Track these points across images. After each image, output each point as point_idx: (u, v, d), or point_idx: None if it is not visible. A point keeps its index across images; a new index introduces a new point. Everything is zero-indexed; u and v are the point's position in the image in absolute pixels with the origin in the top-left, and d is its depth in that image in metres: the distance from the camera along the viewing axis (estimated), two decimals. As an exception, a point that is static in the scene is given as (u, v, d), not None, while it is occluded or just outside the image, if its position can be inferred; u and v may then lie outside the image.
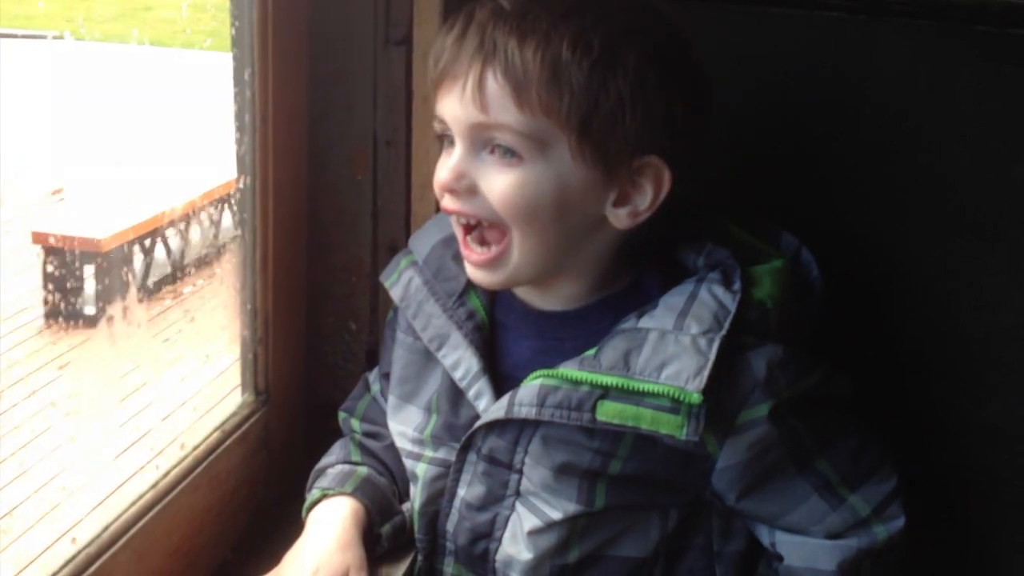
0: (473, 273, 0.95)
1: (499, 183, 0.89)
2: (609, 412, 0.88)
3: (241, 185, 1.11)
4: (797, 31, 1.10)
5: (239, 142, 1.12)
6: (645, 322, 0.91)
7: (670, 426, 0.87)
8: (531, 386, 0.91)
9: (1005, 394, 1.09)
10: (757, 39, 1.12)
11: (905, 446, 1.03)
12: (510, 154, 0.88)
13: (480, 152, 0.90)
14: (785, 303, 0.93)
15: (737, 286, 0.92)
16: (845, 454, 0.94)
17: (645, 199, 0.90)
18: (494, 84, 0.86)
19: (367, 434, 1.13)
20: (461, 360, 0.97)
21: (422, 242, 1.04)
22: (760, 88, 1.13)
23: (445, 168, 0.91)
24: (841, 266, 1.02)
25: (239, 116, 1.11)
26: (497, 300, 1.00)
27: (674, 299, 0.92)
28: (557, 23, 0.86)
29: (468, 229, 0.93)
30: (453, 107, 0.89)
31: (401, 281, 1.03)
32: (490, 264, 0.92)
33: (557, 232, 0.91)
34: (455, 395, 0.99)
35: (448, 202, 0.92)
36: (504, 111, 0.86)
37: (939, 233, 1.09)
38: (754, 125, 1.14)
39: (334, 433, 1.17)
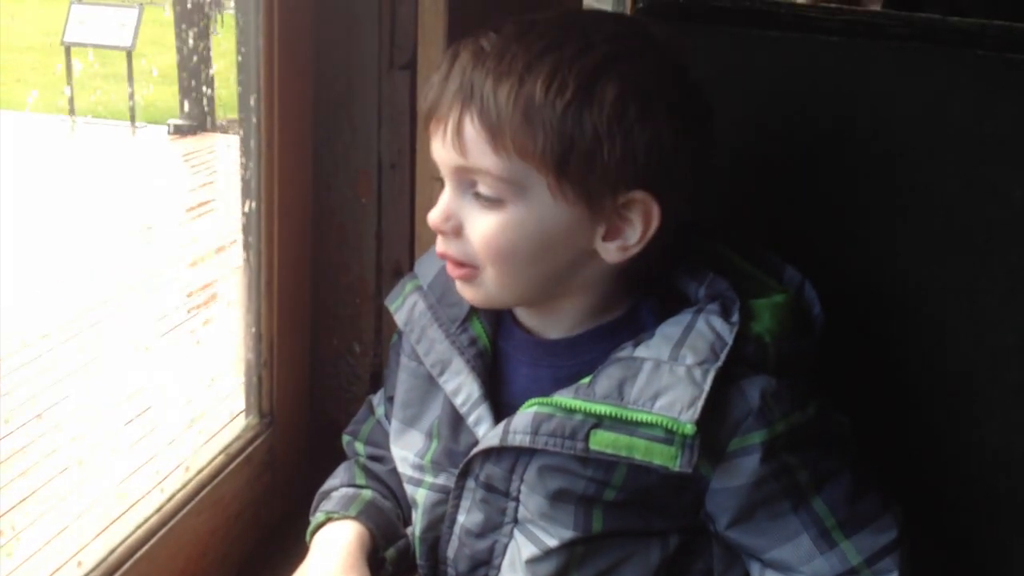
0: (458, 286, 0.95)
1: (480, 226, 0.88)
2: (602, 442, 0.87)
3: (247, 209, 1.12)
4: (794, 55, 1.11)
5: (244, 167, 1.13)
6: (641, 351, 0.90)
7: (663, 457, 0.86)
8: (526, 414, 0.91)
9: (1005, 416, 1.09)
10: (754, 62, 1.13)
11: (905, 475, 1.03)
12: (490, 197, 0.87)
13: (466, 193, 0.89)
14: (783, 338, 0.92)
15: (735, 318, 0.91)
16: (843, 495, 0.92)
17: (635, 233, 0.89)
18: (471, 128, 0.86)
19: (371, 457, 1.13)
20: (462, 386, 0.97)
21: (427, 267, 1.04)
22: (756, 111, 1.13)
23: (435, 209, 0.91)
24: (836, 289, 1.02)
25: (244, 142, 1.12)
26: (500, 327, 1.00)
27: (671, 329, 0.91)
28: (532, 63, 0.84)
29: None
30: (438, 149, 0.90)
31: (406, 306, 1.03)
32: (466, 279, 0.92)
33: (539, 269, 0.90)
34: (456, 421, 0.98)
35: (439, 244, 0.93)
36: (482, 155, 0.86)
37: (936, 256, 1.09)
38: (749, 148, 1.14)
39: (338, 455, 1.16)
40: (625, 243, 0.89)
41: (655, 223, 0.88)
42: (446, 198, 0.90)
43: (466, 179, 0.89)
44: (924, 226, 1.09)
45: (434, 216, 0.91)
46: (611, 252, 0.90)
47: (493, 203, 0.87)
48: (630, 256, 0.90)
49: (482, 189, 0.87)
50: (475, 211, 0.89)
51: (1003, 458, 1.09)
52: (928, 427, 1.12)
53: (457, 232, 0.90)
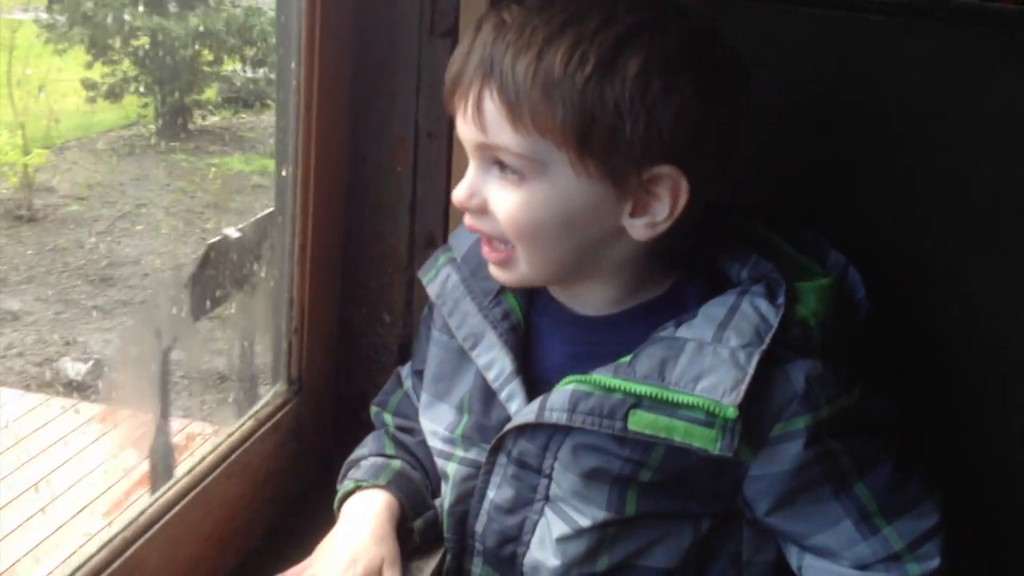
0: (491, 270, 0.94)
1: (504, 202, 0.87)
2: (641, 422, 0.87)
3: (284, 173, 1.11)
4: (834, 33, 1.09)
5: (281, 130, 1.12)
6: (683, 331, 0.89)
7: (704, 440, 0.85)
8: (563, 391, 0.90)
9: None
10: (792, 39, 1.11)
11: (946, 459, 1.02)
12: (513, 173, 0.86)
13: (490, 169, 0.88)
14: (829, 322, 0.91)
15: (781, 300, 0.89)
16: (885, 481, 0.91)
17: (663, 209, 0.87)
18: (491, 104, 0.85)
19: (400, 428, 1.12)
20: (495, 360, 0.96)
21: (461, 239, 1.03)
22: (793, 90, 1.11)
23: (460, 186, 0.90)
24: (878, 271, 1.00)
25: (282, 105, 1.11)
26: (534, 301, 0.99)
27: (714, 310, 0.90)
28: (553, 36, 0.83)
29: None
30: (460, 125, 0.89)
31: (439, 278, 1.02)
32: (501, 264, 0.92)
33: (568, 246, 0.89)
34: (487, 396, 0.98)
35: (467, 219, 0.92)
36: (501, 131, 0.84)
37: (975, 238, 1.08)
38: (786, 128, 1.12)
39: (365, 425, 1.16)
40: (653, 219, 0.88)
41: (684, 198, 0.86)
42: (471, 175, 0.89)
43: (489, 156, 0.87)
44: (964, 209, 1.08)
45: (459, 193, 0.90)
46: (639, 229, 0.88)
47: (515, 179, 0.86)
48: (659, 232, 0.88)
49: (504, 161, 0.86)
50: (499, 187, 0.88)
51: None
52: (969, 410, 1.11)
53: (483, 209, 0.89)
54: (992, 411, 1.10)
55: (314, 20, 1.08)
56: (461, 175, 1.20)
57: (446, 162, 1.21)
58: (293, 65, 1.09)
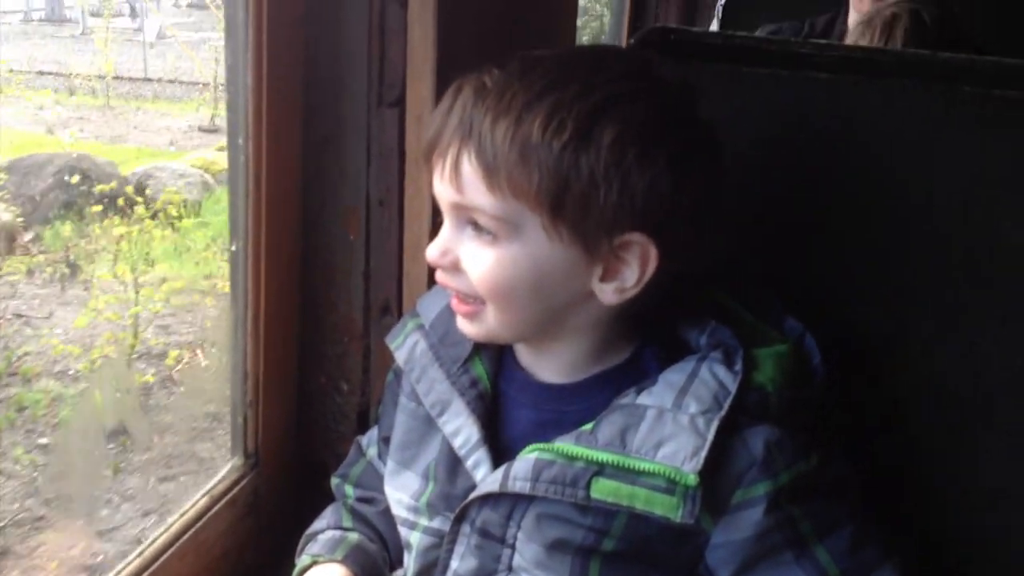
0: (459, 322, 0.94)
1: (476, 261, 0.88)
2: (604, 490, 0.86)
3: (233, 248, 1.11)
4: (785, 91, 1.11)
5: (232, 206, 1.12)
6: (644, 399, 0.89)
7: (665, 507, 0.85)
8: (526, 459, 0.90)
9: (1007, 456, 1.07)
10: (745, 99, 1.12)
11: (905, 518, 1.01)
12: (487, 233, 0.87)
13: (464, 228, 0.89)
14: (786, 388, 0.92)
15: (739, 367, 0.90)
16: (846, 545, 0.91)
17: (632, 275, 0.88)
18: (468, 166, 0.86)
19: (361, 499, 1.11)
20: (461, 428, 0.96)
21: (429, 306, 1.03)
22: (746, 149, 1.12)
23: (434, 244, 0.91)
24: (832, 331, 1.01)
25: (232, 181, 1.11)
26: (502, 369, 0.99)
27: (674, 376, 0.90)
28: (532, 102, 0.84)
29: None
30: (437, 184, 0.89)
31: (407, 344, 1.02)
32: (469, 317, 0.92)
33: (537, 307, 0.89)
34: (453, 463, 0.97)
35: (439, 276, 0.93)
36: (477, 193, 0.86)
37: (931, 294, 1.08)
38: (739, 186, 1.13)
39: (325, 495, 1.15)
40: (622, 285, 0.88)
41: (652, 265, 0.87)
42: (445, 233, 0.90)
43: (464, 215, 0.88)
44: (918, 265, 1.08)
45: (432, 251, 0.91)
46: (608, 293, 0.89)
47: (489, 240, 0.87)
48: (628, 298, 0.89)
49: (479, 225, 0.87)
50: (472, 246, 0.88)
51: (1003, 500, 1.08)
52: (928, 470, 1.10)
53: (455, 266, 0.90)
54: (952, 475, 1.10)
55: (261, 95, 1.10)
56: (413, 242, 1.22)
57: (398, 230, 1.22)
58: (241, 141, 1.10)
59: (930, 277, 1.08)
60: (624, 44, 1.38)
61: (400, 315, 1.23)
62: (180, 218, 3.67)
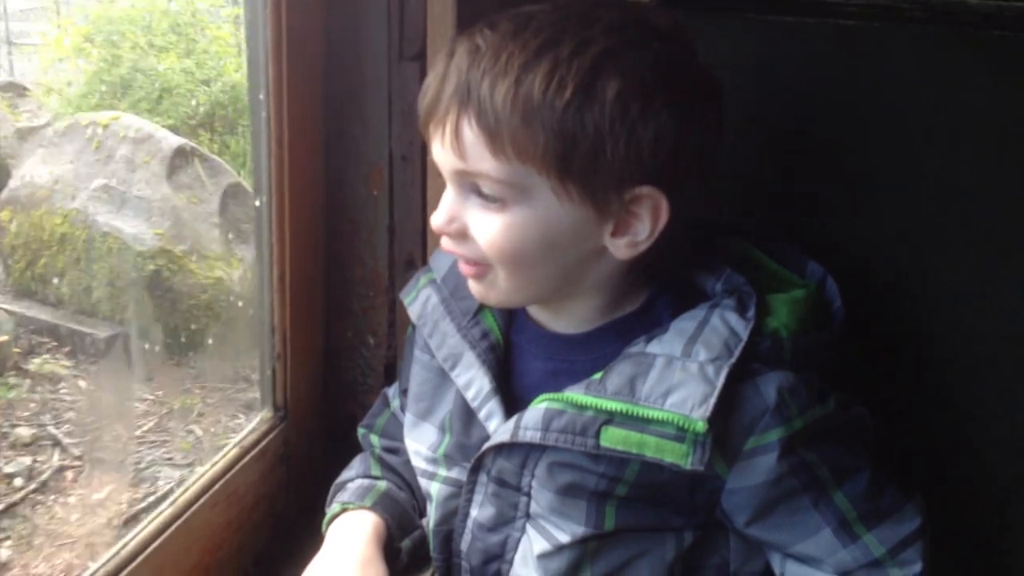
0: (471, 286, 0.94)
1: (485, 228, 0.87)
2: (613, 438, 0.87)
3: (257, 203, 1.13)
4: (811, 40, 1.09)
5: (256, 162, 1.13)
6: (653, 347, 0.89)
7: (675, 454, 0.85)
8: (537, 409, 0.90)
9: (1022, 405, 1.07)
10: (770, 49, 1.11)
11: (927, 469, 1.01)
12: (493, 199, 0.86)
13: (469, 195, 0.88)
14: (801, 333, 0.91)
15: (751, 313, 0.89)
16: (863, 489, 0.91)
17: (644, 229, 0.87)
18: (469, 132, 0.84)
19: (386, 449, 1.13)
20: (473, 380, 0.97)
21: (441, 260, 1.03)
22: (771, 99, 1.12)
23: (438, 211, 0.90)
24: (852, 279, 1.01)
25: (255, 137, 1.12)
26: (513, 320, 1.00)
27: (684, 324, 0.90)
28: (530, 61, 0.82)
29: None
30: (437, 152, 0.88)
31: (419, 299, 1.03)
32: (478, 278, 0.92)
33: (550, 268, 0.89)
34: (467, 415, 0.98)
35: (445, 243, 0.92)
36: (481, 159, 0.84)
37: (954, 243, 1.07)
38: (765, 138, 1.13)
39: (353, 447, 1.17)
40: (635, 239, 0.88)
41: (664, 217, 0.87)
42: (449, 200, 0.89)
43: (467, 182, 0.87)
44: (942, 212, 1.07)
45: (437, 220, 0.90)
46: (621, 249, 0.89)
47: (496, 204, 0.86)
48: (641, 252, 0.89)
49: (484, 191, 0.86)
50: (479, 213, 0.88)
51: (1018, 447, 1.08)
52: (946, 418, 1.10)
53: (462, 234, 0.89)
54: (969, 419, 1.10)
55: (281, 51, 1.10)
56: (437, 197, 1.21)
57: (421, 185, 1.22)
58: (262, 96, 1.10)
59: (953, 224, 1.07)
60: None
61: (425, 269, 1.24)
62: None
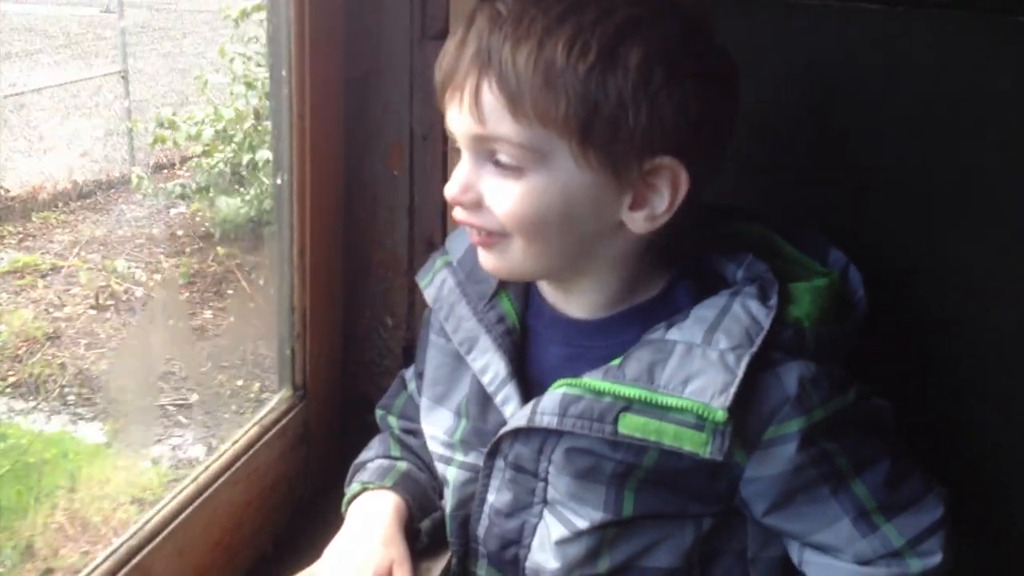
0: (481, 257, 0.93)
1: (503, 196, 0.86)
2: (631, 425, 0.86)
3: (278, 181, 1.12)
4: (833, 23, 1.08)
5: (276, 140, 1.13)
6: (673, 334, 0.88)
7: (693, 443, 0.84)
8: (554, 395, 0.90)
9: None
10: (792, 31, 1.10)
11: (949, 465, 1.00)
12: (511, 167, 0.85)
13: (485, 163, 0.87)
14: (823, 323, 0.90)
15: (773, 302, 0.88)
16: (883, 479, 0.90)
17: (662, 202, 0.86)
18: (489, 95, 0.83)
19: (405, 431, 1.13)
20: (489, 364, 0.96)
21: (458, 243, 1.03)
22: (794, 81, 1.11)
23: (452, 180, 0.89)
24: (879, 268, 1.00)
25: (275, 114, 1.11)
26: (529, 304, 0.99)
27: (705, 311, 0.89)
28: (552, 26, 0.81)
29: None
30: (454, 118, 0.87)
31: (435, 282, 1.02)
32: (490, 248, 0.90)
33: (567, 239, 0.88)
34: (483, 400, 0.97)
35: (458, 213, 0.90)
36: (501, 122, 0.83)
37: (978, 231, 1.06)
38: (789, 120, 1.12)
39: (371, 428, 1.17)
40: (653, 212, 0.87)
41: (683, 190, 0.86)
42: (464, 169, 0.88)
43: (485, 148, 0.86)
44: (965, 200, 1.06)
45: (452, 189, 0.88)
46: (638, 222, 0.88)
47: (514, 172, 0.85)
48: (658, 226, 0.88)
49: (502, 158, 0.85)
50: (496, 181, 0.87)
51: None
52: (968, 409, 1.09)
53: (478, 204, 0.88)
54: (991, 410, 1.09)
55: (303, 28, 1.09)
56: (457, 177, 1.21)
57: (442, 165, 1.22)
58: (284, 73, 1.09)
59: (976, 212, 1.06)
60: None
61: (445, 250, 1.23)
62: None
